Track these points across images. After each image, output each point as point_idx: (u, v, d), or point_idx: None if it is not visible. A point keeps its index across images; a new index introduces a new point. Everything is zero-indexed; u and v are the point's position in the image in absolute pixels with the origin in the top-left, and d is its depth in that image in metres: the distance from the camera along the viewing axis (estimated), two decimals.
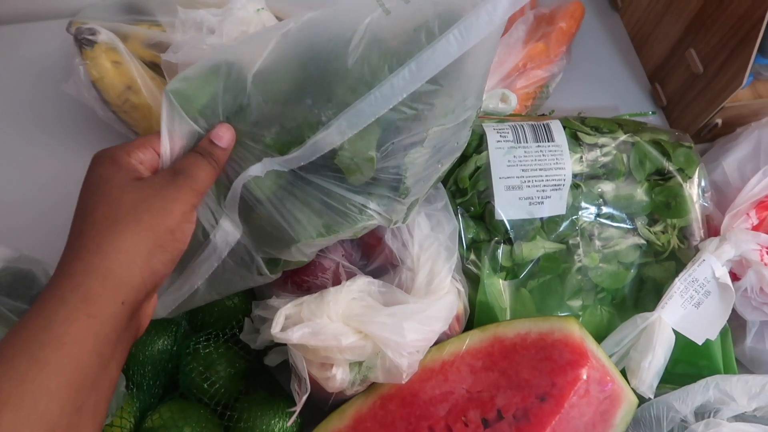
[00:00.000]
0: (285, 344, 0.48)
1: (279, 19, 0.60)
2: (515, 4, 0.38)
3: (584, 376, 0.44)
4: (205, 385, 0.50)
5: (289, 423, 0.48)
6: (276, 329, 0.45)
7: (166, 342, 0.52)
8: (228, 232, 0.43)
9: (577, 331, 0.46)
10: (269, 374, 0.54)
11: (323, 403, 0.50)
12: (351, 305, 0.46)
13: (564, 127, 0.56)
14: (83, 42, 0.56)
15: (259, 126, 0.41)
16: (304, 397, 0.46)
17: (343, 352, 0.45)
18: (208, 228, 0.43)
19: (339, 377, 0.46)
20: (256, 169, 0.41)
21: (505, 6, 0.37)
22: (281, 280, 0.52)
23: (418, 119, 0.40)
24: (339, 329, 0.44)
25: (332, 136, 0.39)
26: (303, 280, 0.53)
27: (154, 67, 0.60)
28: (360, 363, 0.47)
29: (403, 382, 0.46)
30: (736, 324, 0.56)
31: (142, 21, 0.61)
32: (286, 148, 0.40)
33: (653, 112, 0.71)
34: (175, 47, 0.56)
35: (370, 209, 0.43)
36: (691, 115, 0.68)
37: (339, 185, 0.42)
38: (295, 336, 0.44)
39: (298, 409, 0.47)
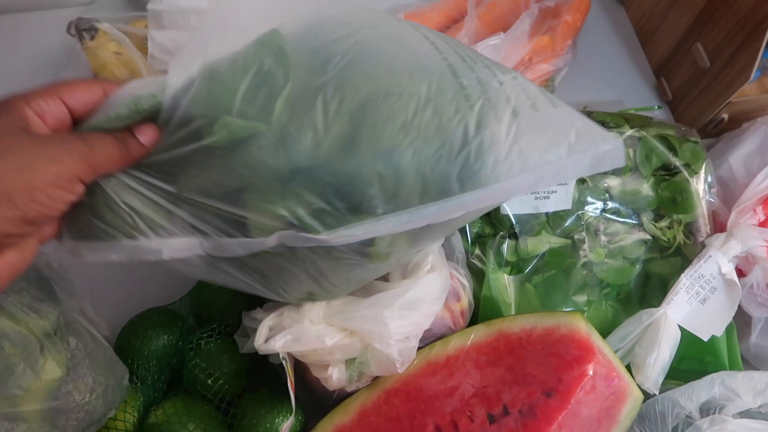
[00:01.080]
0: None
1: None
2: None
3: (591, 372, 0.44)
4: (209, 381, 0.49)
5: (285, 425, 0.48)
6: (260, 341, 0.44)
7: (171, 337, 0.52)
8: (178, 248, 0.37)
9: (583, 327, 0.46)
10: (273, 371, 0.54)
11: (327, 399, 0.50)
12: (331, 304, 0.46)
13: None
14: (85, 31, 0.56)
15: (297, 183, 0.34)
16: (293, 399, 0.46)
17: (332, 353, 0.44)
18: (145, 226, 0.37)
19: (335, 377, 0.46)
20: (268, 242, 0.36)
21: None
22: None
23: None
24: (321, 331, 0.44)
25: (382, 229, 0.35)
26: None
27: None
28: (354, 359, 0.46)
29: (400, 372, 0.45)
30: (741, 320, 0.56)
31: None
32: (317, 224, 0.35)
33: (659, 107, 0.71)
34: None
35: None
36: (697, 109, 0.67)
37: (325, 258, 0.38)
38: (278, 345, 0.43)
39: (291, 414, 0.47)
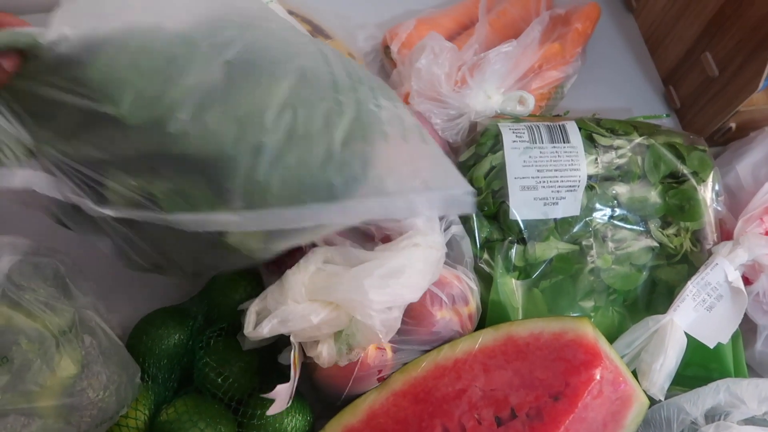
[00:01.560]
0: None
1: (292, 14, 0.61)
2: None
3: (598, 377, 0.44)
4: (219, 380, 0.50)
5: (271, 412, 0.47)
6: (249, 328, 0.44)
7: (181, 336, 0.52)
8: (31, 181, 0.37)
9: (590, 332, 0.47)
10: (282, 371, 0.55)
11: (335, 399, 0.51)
12: (315, 279, 0.45)
13: (579, 129, 0.57)
14: None
15: (161, 164, 0.36)
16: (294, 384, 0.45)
17: (320, 328, 0.44)
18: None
19: (325, 353, 0.46)
20: (115, 212, 0.37)
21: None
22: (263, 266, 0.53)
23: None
24: (306, 309, 0.44)
25: (232, 225, 0.36)
26: (281, 261, 0.53)
27: None
28: (341, 332, 0.46)
29: (383, 342, 0.45)
30: (746, 328, 0.56)
31: None
32: (170, 207, 0.36)
33: (667, 115, 0.71)
34: None
35: None
36: (704, 118, 0.68)
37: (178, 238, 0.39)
38: (265, 330, 0.43)
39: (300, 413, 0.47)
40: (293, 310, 0.44)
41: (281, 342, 0.51)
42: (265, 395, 0.45)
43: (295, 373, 0.45)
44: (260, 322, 0.44)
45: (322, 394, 0.52)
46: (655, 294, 0.57)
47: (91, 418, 0.44)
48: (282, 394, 0.44)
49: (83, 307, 0.46)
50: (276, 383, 0.53)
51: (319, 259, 0.47)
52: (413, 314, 0.50)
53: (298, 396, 0.50)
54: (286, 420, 0.49)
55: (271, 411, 0.44)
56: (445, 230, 0.53)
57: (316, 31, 0.63)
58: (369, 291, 0.43)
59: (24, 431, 0.39)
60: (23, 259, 0.42)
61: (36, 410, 0.40)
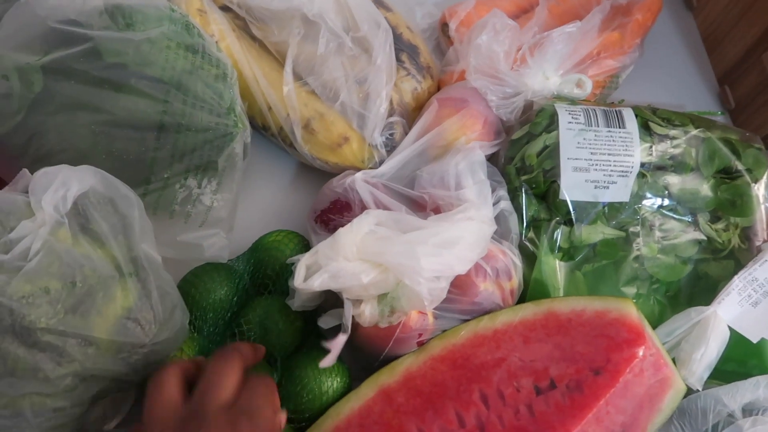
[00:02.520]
0: (339, 307, 0.49)
1: None
2: None
3: (641, 354, 0.44)
4: (262, 338, 0.51)
5: (325, 363, 0.48)
6: (299, 281, 0.46)
7: (228, 292, 0.53)
8: None
9: (634, 312, 0.47)
10: (323, 337, 0.55)
11: (373, 360, 0.52)
12: (366, 240, 0.46)
13: (636, 116, 0.57)
14: None
15: None
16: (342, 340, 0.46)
17: (367, 289, 0.45)
18: None
19: (368, 312, 0.47)
20: None
21: None
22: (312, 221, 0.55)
23: None
24: (357, 267, 0.45)
25: None
26: (329, 219, 0.54)
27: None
28: (386, 294, 0.47)
29: (427, 311, 0.46)
30: None
31: None
32: None
33: (721, 113, 0.71)
34: None
35: None
36: (759, 119, 0.67)
37: None
38: (315, 284, 0.45)
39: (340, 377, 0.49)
40: (344, 267, 0.45)
41: (321, 308, 0.52)
42: (325, 344, 0.46)
43: (348, 329, 0.46)
44: (310, 277, 0.46)
45: (360, 355, 0.53)
46: (698, 288, 0.56)
47: (142, 356, 0.45)
48: (338, 346, 0.45)
49: (142, 243, 0.47)
50: (316, 348, 0.53)
51: (372, 221, 0.48)
52: (457, 283, 0.51)
53: (338, 359, 0.51)
54: (327, 382, 0.50)
55: (324, 363, 0.46)
56: (494, 204, 0.54)
57: (377, 2, 0.64)
58: (421, 258, 0.44)
59: (81, 356, 0.41)
60: (90, 191, 0.44)
61: (93, 338, 0.41)
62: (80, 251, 0.42)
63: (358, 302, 0.48)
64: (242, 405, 0.37)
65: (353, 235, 0.47)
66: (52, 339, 0.39)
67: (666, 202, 0.56)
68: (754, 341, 0.51)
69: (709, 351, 0.49)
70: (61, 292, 0.39)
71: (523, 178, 0.56)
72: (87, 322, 0.41)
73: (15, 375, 0.38)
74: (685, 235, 0.56)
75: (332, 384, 0.50)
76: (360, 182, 0.54)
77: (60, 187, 0.41)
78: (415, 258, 0.44)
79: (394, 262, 0.45)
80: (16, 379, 0.38)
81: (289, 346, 0.53)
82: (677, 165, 0.56)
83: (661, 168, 0.56)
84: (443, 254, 0.45)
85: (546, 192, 0.56)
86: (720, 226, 0.56)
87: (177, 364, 0.40)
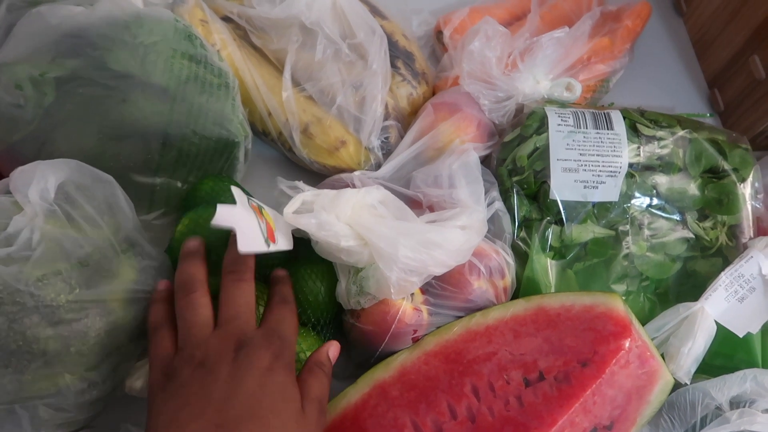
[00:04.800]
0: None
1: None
2: None
3: (627, 346, 0.46)
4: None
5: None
6: (289, 210, 0.47)
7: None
8: None
9: (621, 306, 0.48)
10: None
11: (369, 356, 0.53)
12: (362, 212, 0.48)
13: (624, 118, 0.58)
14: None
15: None
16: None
17: (340, 252, 0.47)
18: None
19: (343, 286, 0.50)
20: None
21: None
22: None
23: None
24: (342, 230, 0.46)
25: None
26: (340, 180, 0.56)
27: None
28: (359, 272, 0.49)
29: (393, 299, 0.48)
30: None
31: None
32: None
33: (711, 114, 0.72)
34: None
35: None
36: (748, 121, 0.69)
37: None
38: (301, 222, 0.46)
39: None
40: (332, 222, 0.47)
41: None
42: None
43: (259, 216, 0.45)
44: (301, 213, 0.47)
45: (356, 353, 0.55)
46: (687, 285, 0.58)
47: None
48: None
49: (128, 223, 0.49)
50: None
51: (378, 197, 0.50)
52: (452, 281, 0.52)
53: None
54: (318, 282, 0.52)
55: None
56: (488, 205, 0.55)
57: (374, 11, 0.66)
58: (400, 249, 0.46)
59: (102, 324, 0.43)
60: (68, 179, 0.45)
61: (109, 306, 0.44)
62: (76, 234, 0.44)
63: None
64: (271, 326, 0.43)
65: (355, 200, 0.48)
66: (75, 314, 0.42)
67: (654, 201, 0.58)
68: (741, 336, 0.53)
69: (697, 345, 0.51)
70: (71, 272, 0.42)
71: (515, 179, 0.57)
72: (101, 292, 0.44)
73: (47, 354, 0.41)
74: (673, 233, 0.58)
75: (317, 284, 0.52)
76: (362, 178, 0.56)
77: (41, 179, 0.43)
78: (395, 247, 0.46)
79: (375, 242, 0.46)
80: (49, 358, 0.41)
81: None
82: (665, 165, 0.58)
83: (649, 168, 0.58)
84: (422, 253, 0.47)
85: (537, 192, 0.57)
86: (708, 224, 0.58)
87: (203, 287, 0.43)
